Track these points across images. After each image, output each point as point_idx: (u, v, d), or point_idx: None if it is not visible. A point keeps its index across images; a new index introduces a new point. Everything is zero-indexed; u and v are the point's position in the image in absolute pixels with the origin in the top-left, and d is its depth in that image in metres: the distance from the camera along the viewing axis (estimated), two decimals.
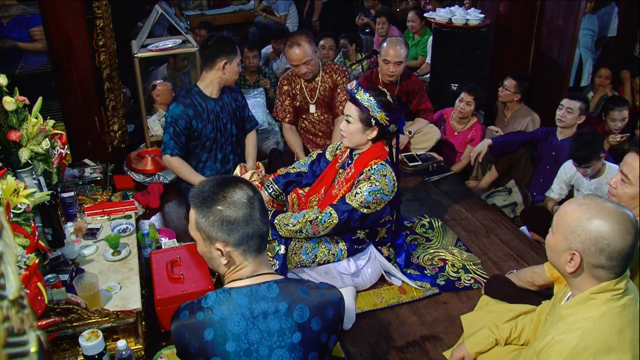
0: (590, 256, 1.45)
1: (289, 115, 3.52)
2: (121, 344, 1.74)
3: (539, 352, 1.51)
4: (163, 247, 2.52)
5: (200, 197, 1.39)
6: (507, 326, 1.94)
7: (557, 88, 4.30)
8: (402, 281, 2.51)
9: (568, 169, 3.16)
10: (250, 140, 3.25)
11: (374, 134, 2.31)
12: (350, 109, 2.31)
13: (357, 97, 2.27)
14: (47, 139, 2.26)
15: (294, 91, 3.48)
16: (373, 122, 2.27)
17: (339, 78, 3.42)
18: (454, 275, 2.59)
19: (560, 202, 3.18)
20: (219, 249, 1.39)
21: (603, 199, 1.49)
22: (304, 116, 3.57)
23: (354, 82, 2.33)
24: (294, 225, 2.27)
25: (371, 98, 2.25)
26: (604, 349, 1.40)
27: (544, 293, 2.16)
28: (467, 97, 3.85)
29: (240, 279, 1.40)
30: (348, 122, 2.33)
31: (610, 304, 1.45)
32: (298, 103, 3.50)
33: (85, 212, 2.57)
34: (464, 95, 3.87)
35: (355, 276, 2.41)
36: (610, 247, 1.42)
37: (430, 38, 5.12)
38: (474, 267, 2.64)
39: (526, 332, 1.90)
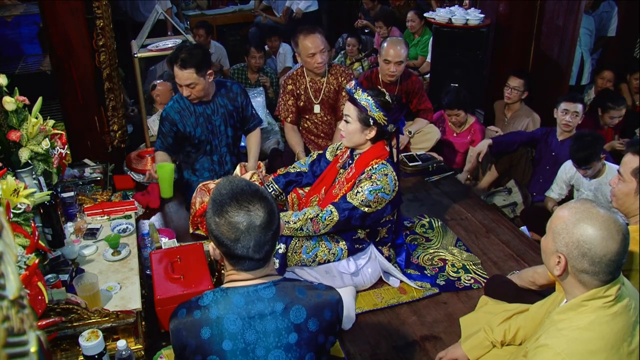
0: (573, 260, 1.44)
1: (291, 115, 3.52)
2: (121, 344, 1.74)
3: (526, 354, 1.51)
4: (163, 247, 2.52)
5: (216, 200, 1.35)
6: (501, 328, 1.93)
7: (557, 88, 4.29)
8: (401, 281, 2.51)
9: (568, 169, 3.16)
10: (253, 139, 3.22)
11: (373, 133, 2.31)
12: (349, 108, 2.32)
13: (356, 96, 2.28)
14: (47, 139, 2.26)
15: (298, 91, 3.48)
16: (371, 121, 2.28)
17: (345, 81, 3.42)
18: (454, 275, 2.59)
19: (561, 202, 3.18)
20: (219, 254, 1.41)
21: (595, 205, 1.47)
22: (307, 116, 3.57)
23: (353, 82, 2.34)
24: (295, 223, 2.27)
25: (369, 98, 2.26)
26: (588, 358, 1.39)
27: (544, 293, 2.15)
28: None
29: (239, 279, 1.40)
30: (347, 121, 2.33)
31: (600, 312, 1.43)
32: (302, 103, 3.50)
33: (85, 212, 2.57)
34: None
35: (355, 275, 2.41)
36: (592, 252, 1.40)
37: (431, 38, 5.12)
38: (474, 267, 2.64)
39: (522, 332, 1.90)
